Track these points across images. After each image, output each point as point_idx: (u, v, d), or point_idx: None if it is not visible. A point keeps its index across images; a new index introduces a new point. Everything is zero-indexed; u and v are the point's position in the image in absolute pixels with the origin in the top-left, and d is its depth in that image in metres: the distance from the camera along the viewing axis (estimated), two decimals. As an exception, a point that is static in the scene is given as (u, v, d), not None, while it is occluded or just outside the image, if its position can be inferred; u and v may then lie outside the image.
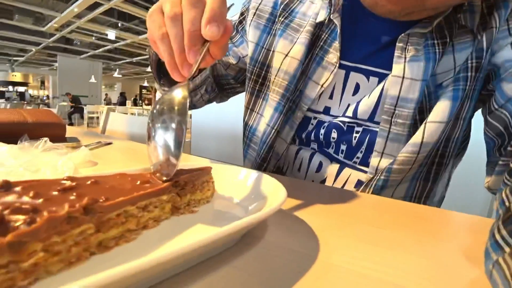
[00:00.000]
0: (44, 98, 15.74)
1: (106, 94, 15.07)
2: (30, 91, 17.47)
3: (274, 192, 0.29)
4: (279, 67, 0.53)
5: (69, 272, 0.18)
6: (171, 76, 0.31)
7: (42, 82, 18.92)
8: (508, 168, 0.31)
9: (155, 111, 0.29)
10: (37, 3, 7.20)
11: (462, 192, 1.00)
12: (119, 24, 8.36)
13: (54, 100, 12.41)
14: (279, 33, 0.54)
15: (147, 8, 7.14)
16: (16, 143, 0.45)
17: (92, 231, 0.19)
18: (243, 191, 0.33)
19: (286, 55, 0.52)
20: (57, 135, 0.63)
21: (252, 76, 0.58)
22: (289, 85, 0.51)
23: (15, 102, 8.48)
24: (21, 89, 15.36)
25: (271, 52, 0.55)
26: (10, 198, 0.20)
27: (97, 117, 8.74)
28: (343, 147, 0.50)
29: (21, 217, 0.17)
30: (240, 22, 0.60)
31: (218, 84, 0.68)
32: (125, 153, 0.60)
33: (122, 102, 13.20)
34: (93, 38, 9.79)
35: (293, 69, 0.51)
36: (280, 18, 0.55)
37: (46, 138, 0.48)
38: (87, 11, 7.17)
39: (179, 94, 0.28)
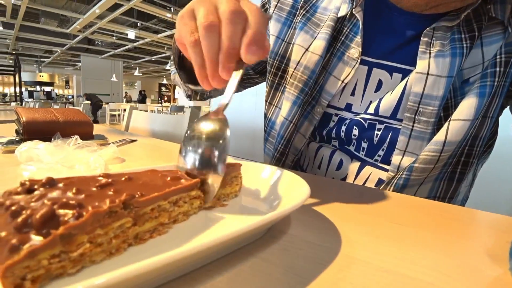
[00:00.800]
0: (69, 97, 16.42)
1: (126, 93, 15.51)
2: (56, 91, 18.24)
3: (297, 188, 0.29)
4: (299, 61, 0.52)
5: (110, 261, 0.20)
6: (200, 83, 0.30)
7: (67, 82, 19.68)
8: None
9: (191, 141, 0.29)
10: (61, 6, 7.48)
11: (487, 190, 0.96)
12: (139, 24, 8.55)
13: (78, 98, 12.91)
14: (299, 26, 0.54)
15: (165, 7, 7.25)
16: (49, 141, 0.49)
17: (129, 224, 0.21)
18: (267, 187, 0.34)
19: (307, 49, 0.52)
20: (85, 133, 0.66)
21: (272, 69, 0.58)
22: (309, 80, 0.51)
23: (43, 101, 8.90)
24: (47, 88, 16.07)
25: (291, 45, 0.55)
26: (55, 194, 0.22)
27: (118, 115, 9.02)
28: (364, 144, 0.50)
29: (69, 212, 0.18)
30: None
31: None
32: (149, 150, 0.63)
33: (141, 100, 13.55)
34: (114, 38, 10.07)
35: (313, 64, 0.51)
36: (301, 11, 0.54)
37: (76, 136, 0.51)
38: (108, 12, 7.38)
39: (220, 135, 0.27)
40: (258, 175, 0.36)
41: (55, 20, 8.39)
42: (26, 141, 0.47)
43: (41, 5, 7.12)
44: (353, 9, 0.48)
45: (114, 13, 7.41)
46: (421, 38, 0.44)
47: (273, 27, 0.57)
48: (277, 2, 0.57)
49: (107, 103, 9.28)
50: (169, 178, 0.27)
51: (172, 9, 7.25)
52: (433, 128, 0.44)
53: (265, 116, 0.61)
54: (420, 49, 0.44)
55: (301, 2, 0.55)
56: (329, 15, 0.51)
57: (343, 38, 0.50)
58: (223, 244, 0.19)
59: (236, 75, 0.28)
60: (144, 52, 12.18)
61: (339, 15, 0.50)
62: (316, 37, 0.52)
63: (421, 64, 0.44)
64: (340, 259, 0.22)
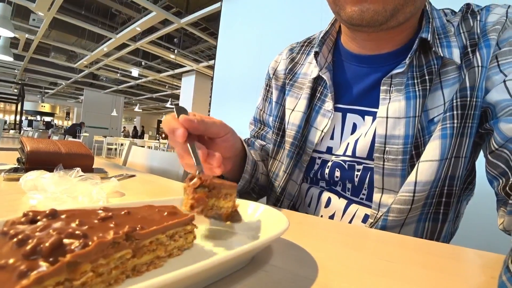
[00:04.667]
0: (68, 128, 16.53)
1: (124, 127, 15.70)
2: (56, 121, 18.40)
3: (278, 222, 0.32)
4: (289, 121, 0.60)
5: (108, 293, 0.21)
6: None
7: (68, 113, 19.96)
8: None
9: None
10: (72, 43, 7.86)
11: (472, 227, 0.95)
12: (143, 63, 8.93)
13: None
14: (287, 93, 0.64)
15: (169, 49, 7.65)
16: (50, 171, 0.50)
17: (129, 256, 0.22)
18: (252, 221, 0.36)
19: (293, 110, 0.60)
20: (86, 165, 0.68)
21: (274, 130, 0.65)
22: (297, 134, 0.58)
23: (41, 130, 8.95)
24: (47, 118, 16.25)
25: (284, 108, 0.64)
26: (59, 224, 0.23)
27: (115, 149, 9.04)
28: (349, 185, 0.53)
29: (76, 241, 0.20)
30: (268, 91, 0.71)
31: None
32: (148, 185, 0.64)
33: (134, 135, 13.70)
34: (118, 74, 10.44)
35: (298, 120, 0.58)
36: (287, 80, 0.65)
37: (78, 168, 0.53)
38: (115, 50, 7.75)
39: None
40: (244, 211, 0.37)
41: (64, 55, 8.77)
42: (29, 170, 0.48)
43: (53, 40, 7.49)
44: (320, 72, 0.57)
45: (120, 52, 7.79)
46: (380, 87, 0.50)
47: (275, 95, 0.67)
48: (273, 75, 0.69)
49: (105, 136, 9.34)
50: (165, 213, 0.29)
51: (175, 51, 7.64)
52: (403, 165, 0.47)
53: (269, 170, 0.65)
54: (380, 96, 0.50)
55: (286, 73, 0.66)
56: (308, 79, 0.60)
57: (319, 95, 0.59)
58: (207, 271, 0.20)
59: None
60: (145, 89, 12.57)
61: (312, 77, 0.59)
62: (300, 98, 0.61)
63: (382, 109, 0.49)
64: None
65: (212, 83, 2.86)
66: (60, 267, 0.17)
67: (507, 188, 0.39)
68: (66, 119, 20.23)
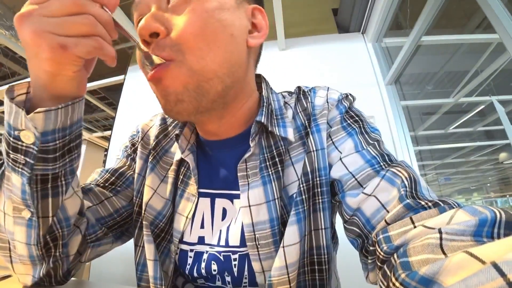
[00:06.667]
0: None
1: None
2: None
3: None
4: (148, 202, 0.53)
5: None
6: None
7: None
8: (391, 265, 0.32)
9: None
10: None
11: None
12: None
13: None
14: (150, 167, 0.56)
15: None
16: None
17: None
18: None
19: (155, 191, 0.54)
20: None
21: (135, 208, 0.56)
22: (154, 220, 0.52)
23: None
24: None
25: (144, 181, 0.56)
26: None
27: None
28: (228, 278, 0.49)
29: None
30: (134, 152, 0.61)
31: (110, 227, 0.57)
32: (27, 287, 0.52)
33: None
34: None
35: (160, 206, 0.53)
36: (152, 153, 0.58)
37: None
38: None
39: None
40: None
41: None
42: None
43: None
44: (182, 154, 0.54)
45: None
46: (238, 174, 0.49)
47: (138, 165, 0.58)
48: (142, 140, 0.61)
49: None
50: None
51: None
52: (275, 247, 0.46)
53: (135, 262, 0.55)
54: (240, 183, 0.49)
55: (153, 144, 0.59)
56: (173, 160, 0.57)
57: (181, 177, 0.55)
58: None
59: None
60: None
61: (176, 159, 0.56)
62: (163, 180, 0.56)
63: (243, 197, 0.48)
64: None
65: (105, 155, 2.65)
66: None
67: (364, 250, 0.43)
68: None
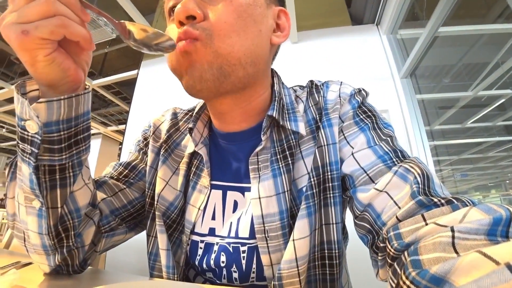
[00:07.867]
0: None
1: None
2: None
3: None
4: (160, 193, 0.55)
5: None
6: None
7: None
8: (401, 263, 0.32)
9: None
10: None
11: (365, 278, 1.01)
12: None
13: None
14: (162, 160, 0.58)
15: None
16: None
17: None
18: None
19: (167, 183, 0.56)
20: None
21: (147, 199, 0.58)
22: (167, 212, 0.54)
23: None
24: None
25: (156, 174, 0.58)
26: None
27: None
28: (235, 274, 0.50)
29: None
30: (146, 146, 0.63)
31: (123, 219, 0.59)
32: (47, 274, 0.55)
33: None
34: (4, 130, 8.88)
35: (172, 198, 0.55)
36: (164, 146, 0.60)
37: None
38: (5, 102, 6.73)
39: None
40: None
41: None
42: None
43: None
44: (196, 147, 0.55)
45: (11, 105, 6.79)
46: (249, 166, 0.51)
47: (150, 158, 0.60)
48: (153, 134, 0.63)
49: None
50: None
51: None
52: (285, 239, 0.47)
53: (147, 252, 0.57)
54: (251, 175, 0.51)
55: (165, 137, 0.61)
56: (185, 153, 0.59)
57: (194, 169, 0.57)
58: None
59: None
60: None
61: (188, 152, 0.58)
62: (175, 172, 0.58)
63: (254, 190, 0.49)
64: None
65: (120, 148, 2.70)
66: None
67: (374, 246, 0.43)
68: None
